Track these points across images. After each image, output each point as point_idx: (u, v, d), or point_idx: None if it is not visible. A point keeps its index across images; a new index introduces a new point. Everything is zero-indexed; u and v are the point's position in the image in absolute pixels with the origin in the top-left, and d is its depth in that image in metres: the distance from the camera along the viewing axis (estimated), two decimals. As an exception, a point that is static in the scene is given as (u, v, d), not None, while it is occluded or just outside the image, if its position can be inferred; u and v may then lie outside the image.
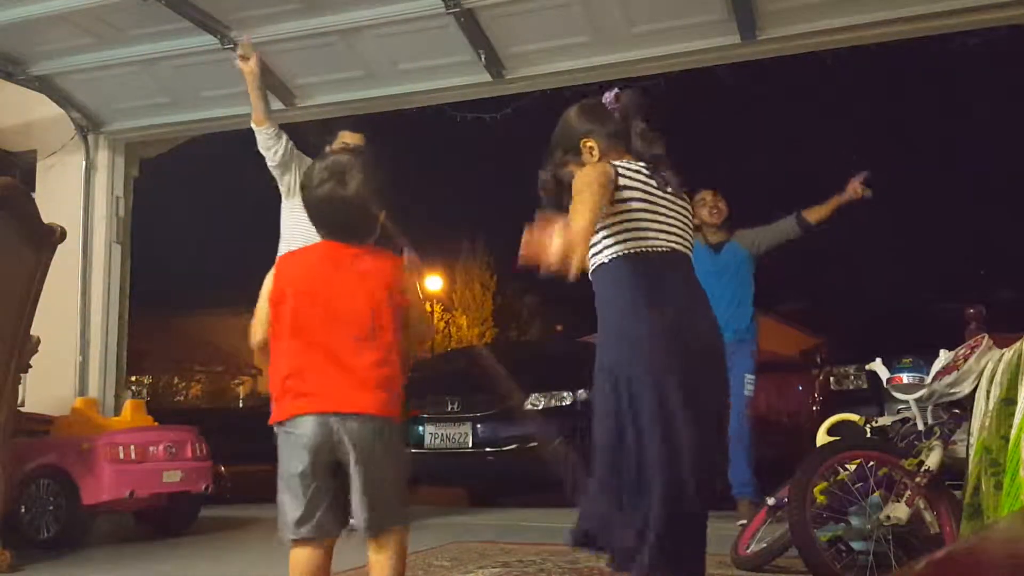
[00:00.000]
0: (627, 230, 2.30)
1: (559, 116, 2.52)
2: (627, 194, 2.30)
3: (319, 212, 2.32)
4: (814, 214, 4.86)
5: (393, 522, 2.23)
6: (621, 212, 2.29)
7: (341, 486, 2.22)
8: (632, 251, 2.29)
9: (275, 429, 2.26)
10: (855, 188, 4.73)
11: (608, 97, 2.48)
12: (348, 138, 4.59)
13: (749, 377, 4.80)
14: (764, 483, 4.44)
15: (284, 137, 4.57)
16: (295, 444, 2.19)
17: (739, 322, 4.82)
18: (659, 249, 2.31)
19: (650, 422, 2.18)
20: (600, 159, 2.40)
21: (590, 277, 2.36)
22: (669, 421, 2.17)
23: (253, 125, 4.55)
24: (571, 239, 2.02)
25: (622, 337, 2.28)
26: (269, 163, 4.59)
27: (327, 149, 4.59)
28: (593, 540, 2.28)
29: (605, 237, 2.31)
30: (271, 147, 4.53)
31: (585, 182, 2.22)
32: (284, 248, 4.56)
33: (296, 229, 4.48)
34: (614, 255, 2.30)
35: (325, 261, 2.29)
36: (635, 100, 2.49)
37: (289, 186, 4.59)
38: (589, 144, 2.44)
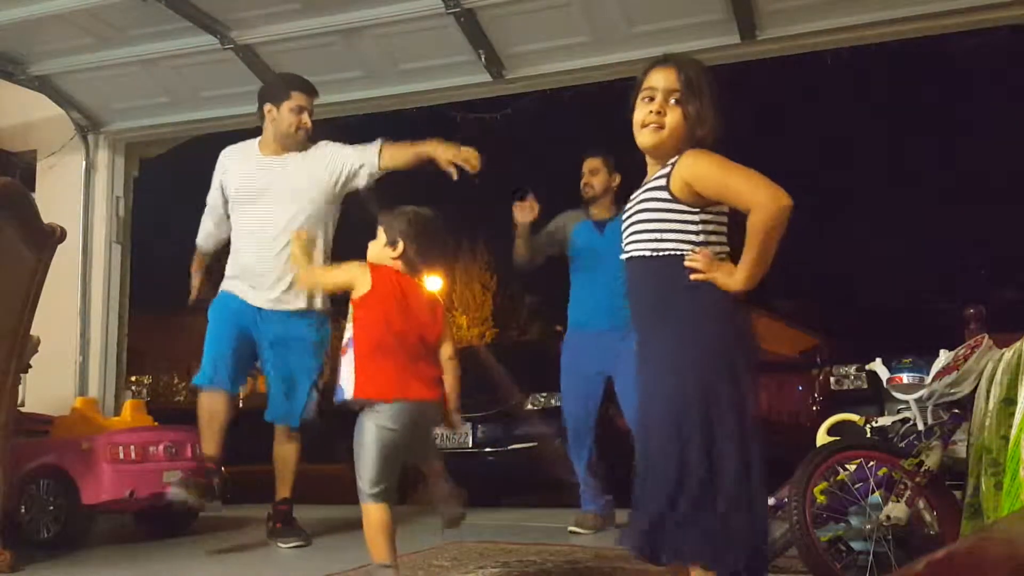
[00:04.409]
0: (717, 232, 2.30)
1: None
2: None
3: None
4: None
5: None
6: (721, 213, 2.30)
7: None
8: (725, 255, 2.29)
9: (359, 407, 2.76)
10: None
11: None
12: (302, 101, 4.43)
13: None
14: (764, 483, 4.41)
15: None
16: (376, 421, 2.73)
17: (618, 315, 3.79)
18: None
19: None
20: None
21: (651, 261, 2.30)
22: None
23: None
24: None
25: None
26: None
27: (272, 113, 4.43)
28: None
29: (712, 233, 2.27)
30: None
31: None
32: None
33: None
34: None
35: (406, 290, 2.90)
36: None
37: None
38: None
